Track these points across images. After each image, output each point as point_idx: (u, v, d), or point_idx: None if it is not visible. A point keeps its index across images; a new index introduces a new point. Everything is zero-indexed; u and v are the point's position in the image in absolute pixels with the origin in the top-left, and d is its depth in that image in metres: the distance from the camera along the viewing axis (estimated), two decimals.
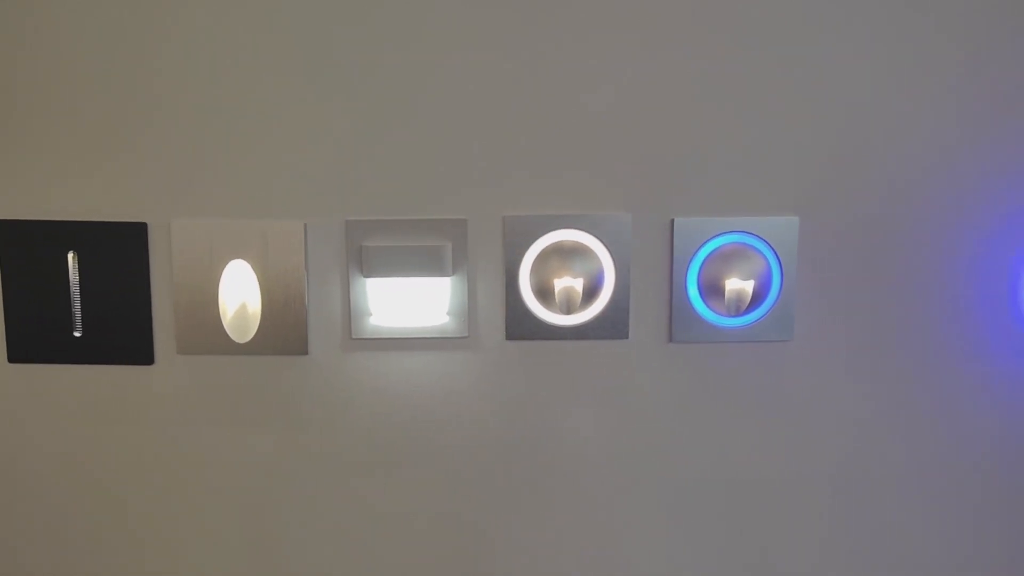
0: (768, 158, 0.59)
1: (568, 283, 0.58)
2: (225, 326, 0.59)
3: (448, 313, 0.61)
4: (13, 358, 0.60)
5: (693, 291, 0.60)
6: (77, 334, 0.60)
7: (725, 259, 0.59)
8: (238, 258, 0.59)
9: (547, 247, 0.60)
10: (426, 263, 0.59)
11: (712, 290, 0.60)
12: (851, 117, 0.58)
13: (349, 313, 0.60)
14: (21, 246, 0.59)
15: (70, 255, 0.59)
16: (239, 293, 0.59)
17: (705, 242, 0.60)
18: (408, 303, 0.60)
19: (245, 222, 0.59)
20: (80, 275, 0.60)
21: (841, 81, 0.58)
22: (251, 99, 0.57)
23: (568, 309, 0.59)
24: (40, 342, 0.61)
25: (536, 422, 0.62)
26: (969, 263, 0.60)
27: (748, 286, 0.58)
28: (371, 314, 0.60)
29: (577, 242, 0.60)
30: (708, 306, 0.60)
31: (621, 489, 0.62)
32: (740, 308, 0.58)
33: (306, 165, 0.58)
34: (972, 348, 0.61)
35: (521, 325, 0.61)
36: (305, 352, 0.60)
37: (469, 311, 0.61)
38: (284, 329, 0.60)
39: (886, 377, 0.61)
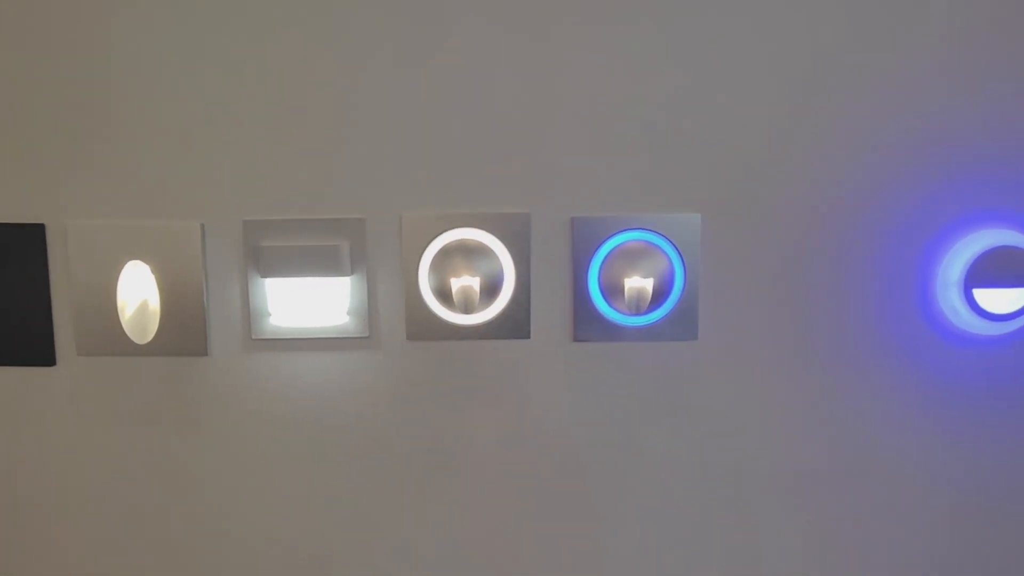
0: (669, 155, 0.58)
1: (466, 282, 0.58)
2: (124, 327, 0.59)
3: (348, 313, 0.60)
4: None
5: (595, 290, 0.60)
6: None
7: (627, 257, 0.59)
8: (136, 259, 0.59)
9: (447, 246, 0.59)
10: (324, 263, 0.59)
11: (615, 289, 0.59)
12: (754, 113, 0.57)
13: (249, 314, 0.60)
14: None
15: None
16: (138, 294, 0.59)
17: (605, 240, 0.59)
18: (308, 303, 0.60)
19: (143, 223, 0.59)
20: None
21: (743, 76, 0.57)
22: (147, 99, 0.57)
23: (466, 308, 0.58)
24: None
25: (438, 422, 0.61)
26: (879, 260, 0.59)
27: (648, 284, 0.58)
28: (271, 314, 0.60)
29: (476, 241, 0.59)
30: (611, 305, 0.59)
31: (523, 490, 0.61)
32: (640, 307, 0.58)
33: (203, 165, 0.58)
34: (882, 347, 0.60)
35: (421, 325, 0.60)
36: (205, 353, 0.60)
37: (369, 311, 0.60)
38: (184, 330, 0.60)
39: (794, 377, 0.60)
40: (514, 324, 0.60)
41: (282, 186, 0.59)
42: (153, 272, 0.59)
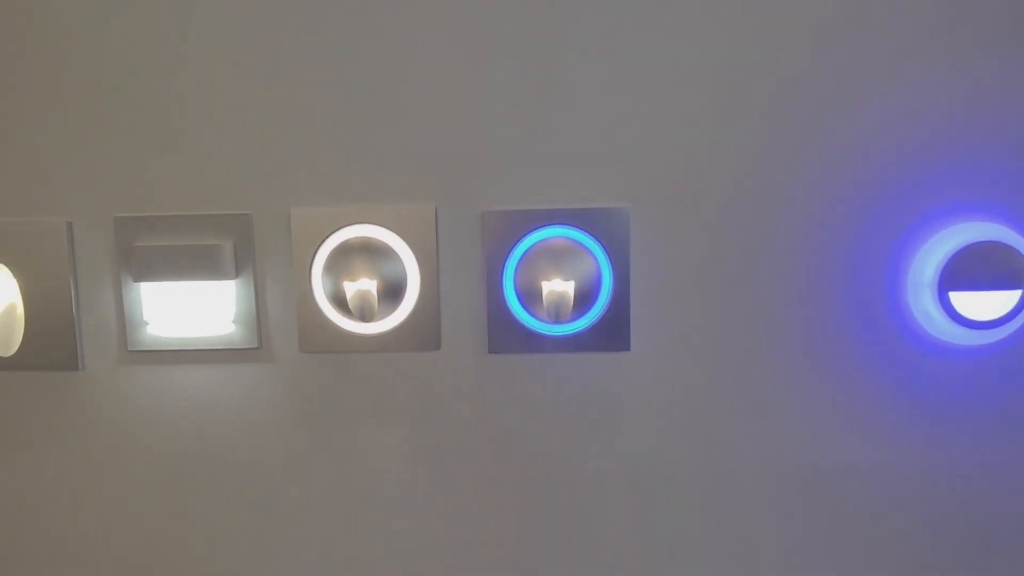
0: (593, 140, 0.51)
1: (363, 286, 0.51)
2: None
3: (234, 321, 0.53)
4: None
5: (511, 295, 0.52)
6: None
7: (547, 257, 0.51)
8: None
9: (343, 245, 0.52)
10: (204, 264, 0.52)
11: (534, 294, 0.51)
12: (693, 91, 0.50)
13: (124, 322, 0.53)
14: None
15: None
16: (0, 301, 0.53)
17: (520, 237, 0.52)
18: (189, 310, 0.53)
19: (2, 220, 0.53)
20: None
21: (682, 50, 0.50)
22: (6, 88, 0.51)
23: (364, 315, 0.51)
24: None
25: (338, 444, 0.54)
26: (840, 258, 0.51)
27: (569, 288, 0.50)
28: (148, 323, 0.53)
29: (375, 239, 0.52)
30: (530, 312, 0.52)
31: (434, 518, 0.55)
32: (561, 314, 0.50)
33: (70, 156, 0.52)
34: (843, 358, 0.52)
35: (316, 335, 0.53)
36: (76, 367, 0.53)
37: (258, 319, 0.53)
38: (52, 341, 0.53)
39: (741, 394, 0.53)
40: (421, 334, 0.53)
41: (158, 179, 0.52)
42: (16, 276, 0.53)
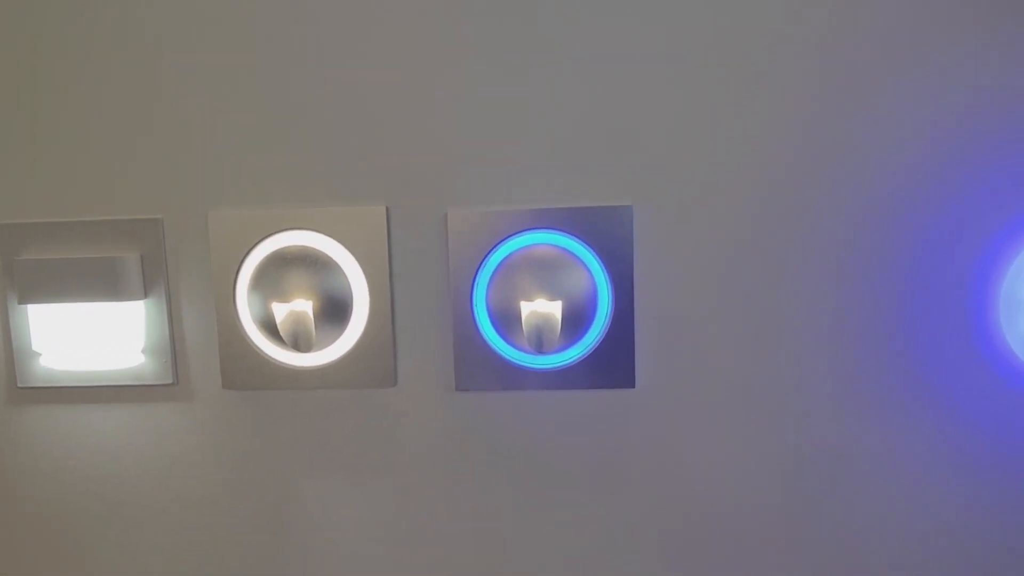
0: (588, 128, 0.40)
1: (297, 308, 0.41)
2: None
3: (144, 351, 0.44)
4: None
5: (483, 318, 0.42)
6: None
7: (530, 270, 0.41)
8: None
9: (273, 257, 0.42)
10: (105, 282, 0.42)
11: (512, 317, 0.41)
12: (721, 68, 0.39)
13: (12, 353, 0.44)
14: None
15: None
16: None
17: (495, 245, 0.41)
18: (90, 338, 0.43)
19: None
20: None
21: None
22: None
23: (298, 344, 0.41)
24: None
25: (269, 499, 0.44)
26: (913, 272, 0.39)
27: (555, 309, 0.39)
28: (40, 355, 0.44)
29: (313, 249, 0.42)
30: (507, 340, 0.41)
31: None
32: (546, 342, 0.39)
33: None
34: (919, 392, 0.40)
35: (243, 368, 0.43)
36: None
37: (173, 349, 0.44)
38: None
39: (779, 439, 0.41)
40: (372, 367, 0.42)
41: (50, 178, 0.42)
42: None
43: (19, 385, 0.44)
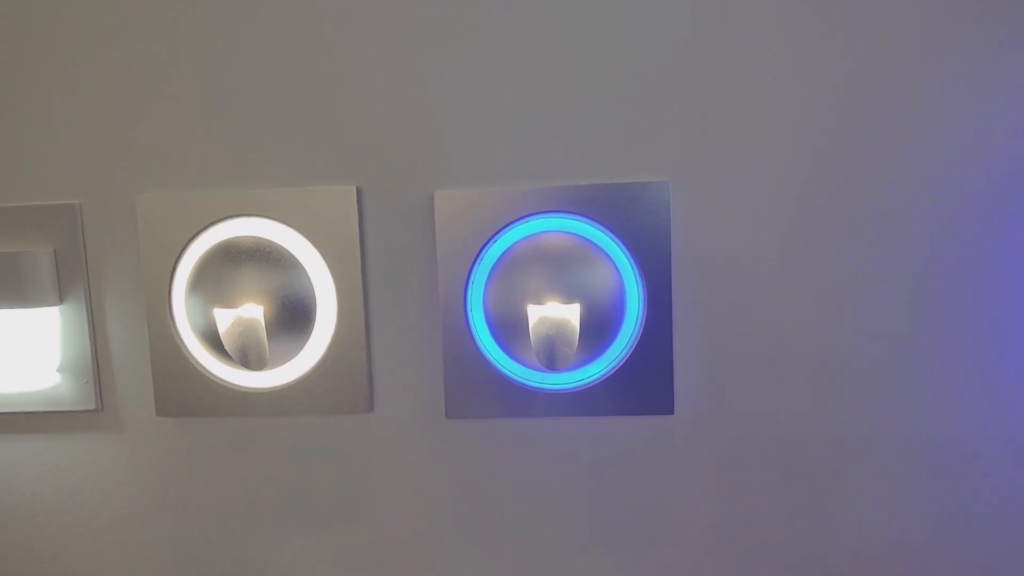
0: (609, 85, 0.31)
1: (246, 314, 0.32)
2: None
3: (61, 370, 0.35)
4: None
5: (480, 327, 0.33)
6: None
7: (539, 265, 0.32)
8: None
9: (217, 251, 0.34)
10: (10, 283, 0.34)
11: (520, 325, 0.32)
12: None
13: None
14: None
15: None
16: None
17: (495, 234, 0.33)
18: None
19: None
20: None
21: None
22: None
23: (247, 360, 0.32)
24: None
25: (216, 547, 0.35)
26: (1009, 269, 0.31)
27: (571, 315, 0.31)
28: None
29: (266, 242, 0.34)
30: (512, 355, 0.33)
31: None
32: (560, 357, 0.31)
33: None
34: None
35: (182, 391, 0.35)
36: None
37: (96, 366, 0.35)
38: None
39: (846, 481, 0.33)
40: (342, 389, 0.34)
41: None
42: None
43: None
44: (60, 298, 0.35)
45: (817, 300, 0.32)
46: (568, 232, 0.32)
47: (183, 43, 0.33)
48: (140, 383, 0.35)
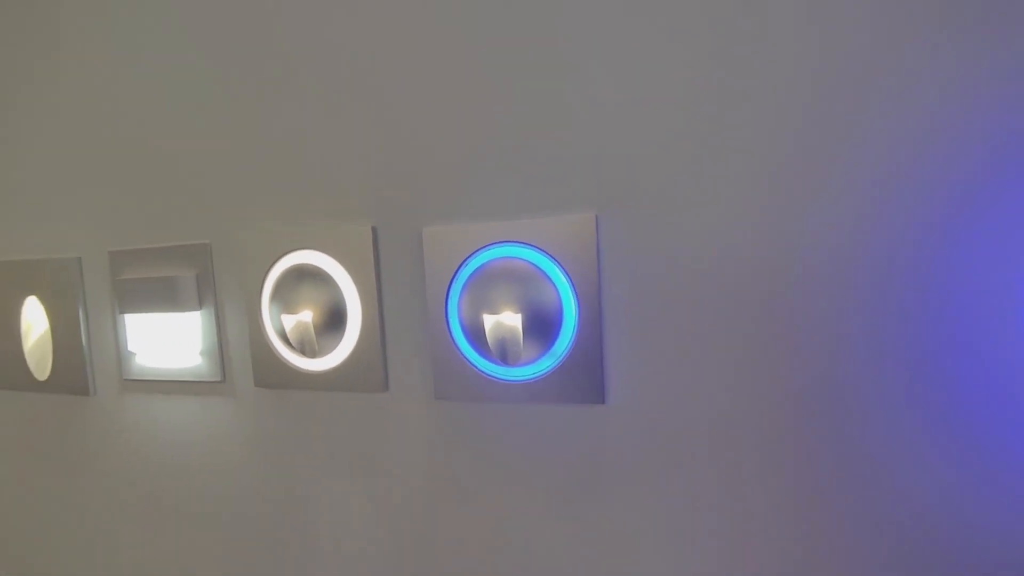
0: (552, 139, 0.39)
1: (302, 318, 0.46)
2: (28, 363, 0.59)
3: (201, 353, 0.52)
4: None
5: (457, 331, 0.43)
6: None
7: (495, 283, 0.41)
8: (32, 295, 0.59)
9: (285, 274, 0.48)
10: (172, 296, 0.52)
11: (482, 328, 0.41)
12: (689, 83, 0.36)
13: (120, 352, 0.55)
14: None
15: None
16: (36, 330, 0.59)
17: (464, 260, 0.42)
18: (165, 341, 0.53)
19: (32, 258, 0.58)
20: None
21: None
22: (17, 142, 0.57)
23: (303, 350, 0.46)
24: None
25: (284, 479, 0.50)
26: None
27: (515, 322, 0.39)
28: (135, 354, 0.55)
29: (313, 266, 0.47)
30: (479, 352, 0.42)
31: (379, 567, 0.47)
32: (509, 354, 0.40)
33: (71, 198, 0.56)
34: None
35: (269, 370, 0.49)
36: (87, 392, 0.57)
37: (221, 352, 0.52)
38: (71, 368, 0.58)
39: (768, 464, 0.36)
40: (366, 374, 0.46)
41: (144, 213, 0.53)
42: (44, 307, 0.58)
43: (124, 377, 0.56)
44: (199, 305, 0.52)
45: (737, 306, 0.36)
46: (516, 257, 0.41)
47: (264, 130, 0.47)
48: (245, 364, 0.50)
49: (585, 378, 0.40)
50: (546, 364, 0.41)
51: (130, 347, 0.54)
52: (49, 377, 0.58)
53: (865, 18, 0.33)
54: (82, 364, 0.57)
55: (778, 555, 0.37)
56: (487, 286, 0.41)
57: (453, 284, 0.42)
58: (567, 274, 0.39)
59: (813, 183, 0.34)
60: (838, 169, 0.34)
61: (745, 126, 0.35)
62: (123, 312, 0.54)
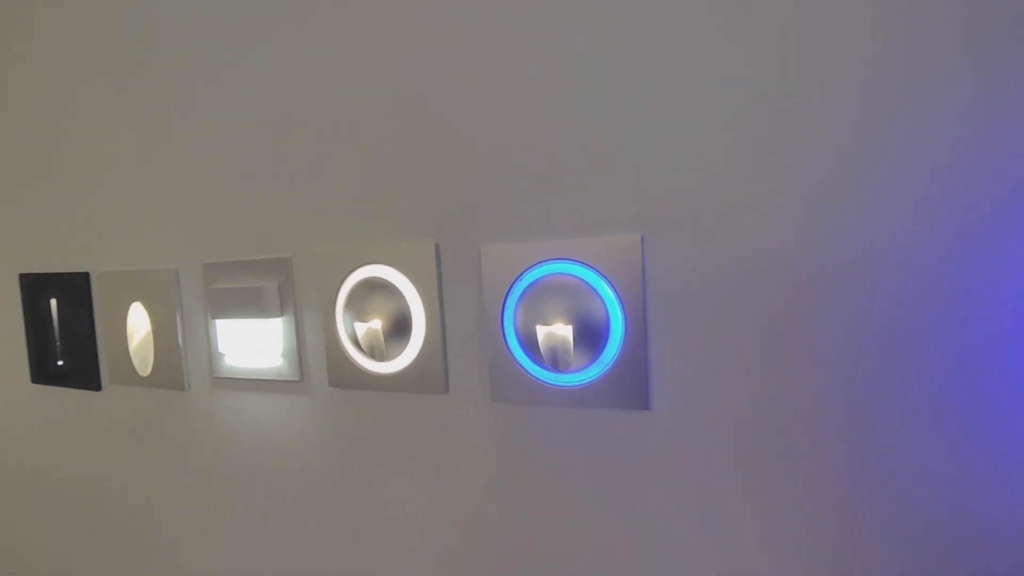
0: (601, 165, 0.42)
1: (373, 325, 0.51)
2: (132, 361, 0.67)
3: (282, 355, 0.58)
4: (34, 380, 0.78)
5: (512, 339, 0.47)
6: (60, 362, 0.75)
7: (548, 297, 0.45)
8: (137, 301, 0.66)
9: (357, 286, 0.53)
10: (257, 304, 0.58)
11: (534, 338, 0.45)
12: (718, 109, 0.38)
13: (210, 353, 0.62)
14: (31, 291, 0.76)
15: (53, 301, 0.74)
16: (140, 332, 0.67)
17: (519, 275, 0.46)
18: (252, 343, 0.60)
19: (139, 268, 0.66)
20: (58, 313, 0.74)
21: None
22: (126, 167, 0.64)
23: (373, 354, 0.51)
24: (37, 368, 0.77)
25: (354, 471, 0.55)
26: (904, 306, 0.34)
27: (566, 333, 0.43)
28: (225, 355, 0.62)
29: (382, 279, 0.52)
30: (532, 359, 0.46)
31: (437, 560, 0.51)
32: (560, 362, 0.43)
33: (176, 215, 0.63)
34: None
35: (342, 371, 0.55)
36: (183, 388, 0.64)
37: (299, 355, 0.57)
38: (169, 366, 0.65)
39: (778, 467, 0.38)
40: (429, 376, 0.51)
41: (233, 230, 0.60)
42: (148, 312, 0.66)
43: (214, 375, 0.62)
44: (281, 312, 0.58)
45: (775, 319, 0.39)
46: (569, 273, 0.44)
47: (343, 152, 0.52)
48: (321, 365, 0.56)
49: (631, 385, 0.43)
50: (594, 371, 0.44)
51: (220, 348, 0.61)
52: (151, 373, 0.66)
53: (906, 28, 0.34)
54: (179, 363, 0.64)
55: (821, 561, 0.39)
56: (540, 299, 0.45)
57: (508, 297, 0.46)
58: (614, 289, 0.43)
59: (845, 200, 0.36)
60: (876, 183, 0.35)
61: (784, 151, 0.37)
62: (214, 317, 0.60)
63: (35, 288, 0.75)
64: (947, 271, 0.35)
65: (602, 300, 0.43)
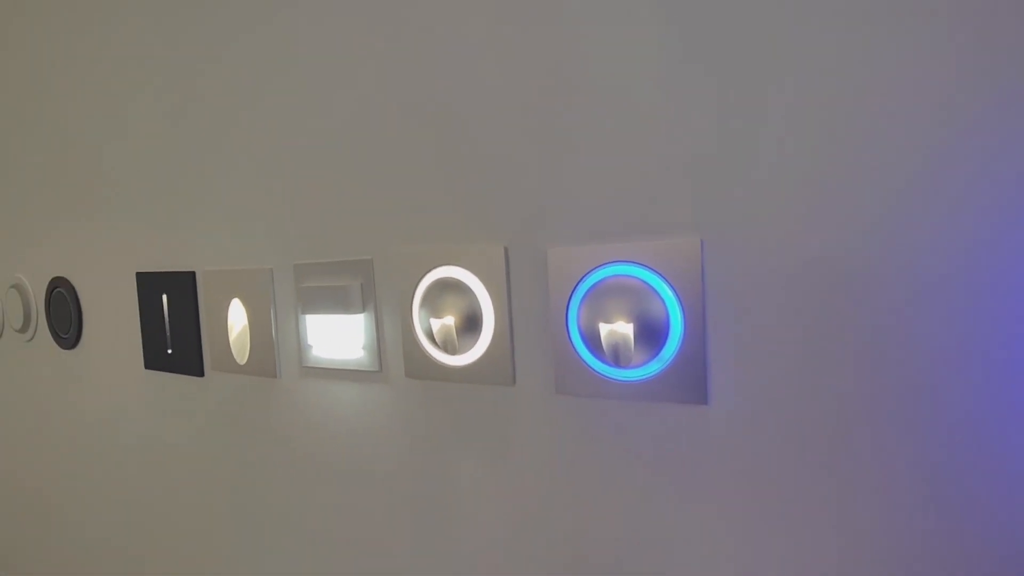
0: (656, 168, 0.45)
1: (447, 321, 0.55)
2: (232, 350, 0.75)
3: (363, 348, 0.64)
4: (147, 366, 0.89)
5: (576, 336, 0.50)
6: (169, 351, 0.84)
7: (609, 297, 0.47)
8: (236, 297, 0.74)
9: (433, 284, 0.58)
10: (341, 301, 0.64)
11: (596, 334, 0.48)
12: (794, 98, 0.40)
13: (300, 345, 0.69)
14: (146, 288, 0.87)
15: (164, 296, 0.84)
16: (238, 325, 0.74)
17: (583, 276, 0.49)
18: (337, 337, 0.66)
19: (239, 268, 0.74)
20: (169, 308, 0.83)
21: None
22: (234, 186, 0.72)
23: (447, 348, 0.56)
24: (149, 355, 0.87)
25: (427, 457, 0.60)
26: (955, 307, 0.34)
27: (628, 330, 0.46)
28: (312, 346, 0.68)
29: (455, 279, 0.56)
30: (595, 355, 0.49)
31: (503, 543, 0.55)
32: (621, 358, 0.46)
33: (268, 222, 0.70)
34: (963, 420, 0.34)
35: (417, 363, 0.60)
36: (275, 375, 0.71)
37: (379, 347, 0.63)
38: (263, 355, 0.73)
39: (839, 463, 0.39)
40: (497, 369, 0.55)
41: (322, 234, 0.66)
42: (245, 307, 0.74)
43: (303, 364, 0.69)
44: (363, 309, 0.64)
45: (834, 319, 0.40)
46: (631, 275, 0.47)
47: (418, 163, 0.57)
48: (398, 358, 0.61)
49: (690, 381, 0.45)
50: (654, 367, 0.46)
51: (308, 341, 0.68)
52: (247, 362, 0.74)
53: (976, 30, 0.35)
54: (272, 353, 0.72)
55: (879, 558, 0.40)
56: (602, 299, 0.48)
57: (573, 296, 0.50)
58: (674, 290, 0.45)
59: (906, 205, 0.37)
60: (941, 180, 0.36)
61: (843, 156, 0.39)
62: (304, 313, 0.67)
63: (149, 285, 0.85)
64: (1016, 278, 0.35)
65: (662, 300, 0.45)
